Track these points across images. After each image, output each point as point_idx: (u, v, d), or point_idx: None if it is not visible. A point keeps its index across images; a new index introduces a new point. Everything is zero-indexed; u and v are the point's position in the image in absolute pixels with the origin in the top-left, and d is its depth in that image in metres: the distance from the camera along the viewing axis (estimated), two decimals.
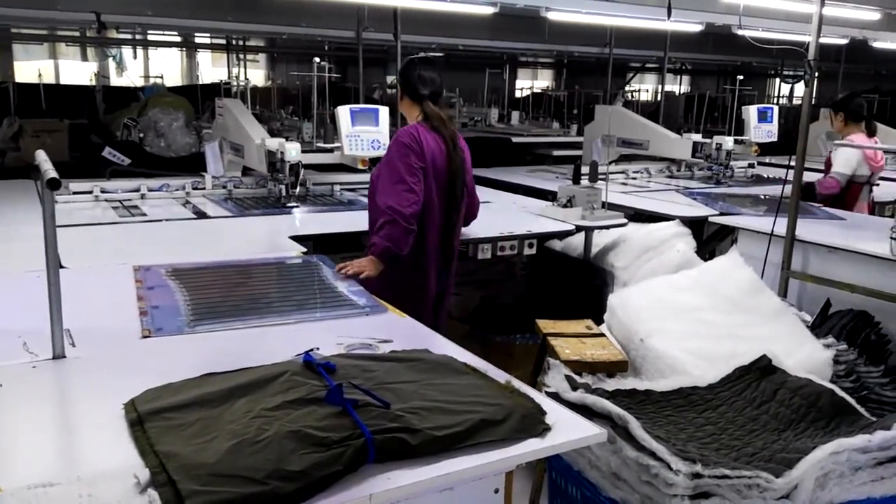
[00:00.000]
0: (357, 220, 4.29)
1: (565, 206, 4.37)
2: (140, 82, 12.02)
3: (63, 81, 12.65)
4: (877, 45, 7.68)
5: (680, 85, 18.02)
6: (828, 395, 2.46)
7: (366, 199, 4.73)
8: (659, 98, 11.58)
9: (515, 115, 11.01)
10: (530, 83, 15.74)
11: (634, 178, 6.21)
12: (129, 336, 2.28)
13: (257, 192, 4.82)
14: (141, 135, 6.31)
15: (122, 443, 1.60)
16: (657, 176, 6.36)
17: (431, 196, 3.19)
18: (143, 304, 2.54)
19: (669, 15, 4.81)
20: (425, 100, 3.26)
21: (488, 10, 5.50)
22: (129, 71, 12.31)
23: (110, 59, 12.46)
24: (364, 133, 4.56)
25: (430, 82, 3.29)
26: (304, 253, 3.36)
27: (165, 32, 11.27)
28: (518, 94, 14.94)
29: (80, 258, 3.09)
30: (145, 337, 2.27)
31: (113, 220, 4.05)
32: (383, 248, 3.06)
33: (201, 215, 4.24)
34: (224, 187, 4.81)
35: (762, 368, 2.61)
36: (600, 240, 4.47)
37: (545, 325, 3.15)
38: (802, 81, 3.75)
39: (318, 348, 2.06)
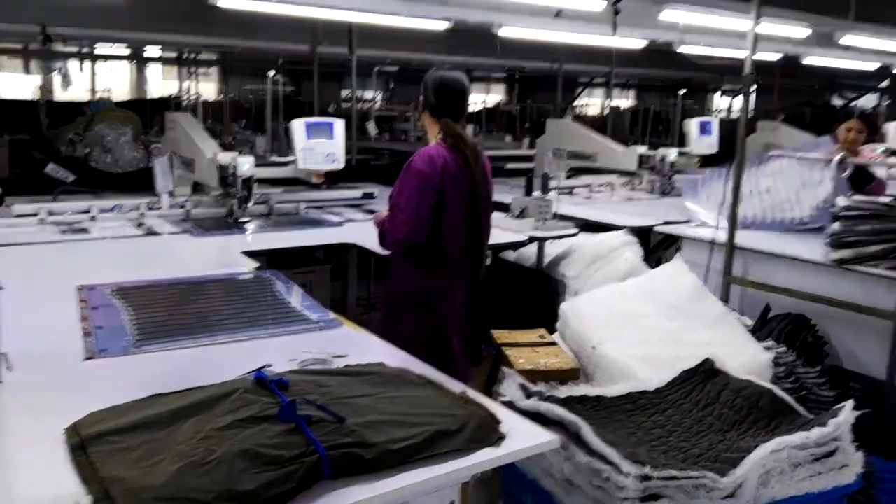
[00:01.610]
0: (314, 237, 4.28)
1: (518, 217, 4.45)
2: (86, 96, 11.81)
3: (3, 95, 12.35)
4: (808, 60, 7.99)
5: (626, 99, 18.42)
6: (768, 396, 2.55)
7: (332, 217, 4.73)
8: (606, 112, 11.81)
9: (469, 128, 11.06)
10: (483, 97, 15.92)
11: (600, 192, 6.29)
12: (72, 358, 2.21)
13: (217, 212, 4.58)
14: (87, 150, 6.17)
15: (63, 469, 1.55)
16: (620, 189, 6.46)
17: (455, 220, 3.08)
18: (86, 324, 2.47)
19: (614, 32, 4.95)
20: (444, 117, 3.14)
21: (442, 26, 5.56)
22: (75, 85, 12.08)
23: (55, 73, 12.21)
24: (319, 146, 4.55)
25: (451, 98, 3.14)
26: (257, 268, 3.34)
27: (114, 46, 11.10)
28: (471, 108, 15.08)
29: (19, 278, 2.96)
30: (89, 358, 2.20)
31: (55, 239, 3.90)
32: (378, 227, 3.20)
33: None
34: (182, 206, 4.57)
35: (706, 371, 2.69)
36: (552, 250, 4.55)
37: (500, 336, 3.19)
38: (740, 95, 3.89)
39: (270, 365, 2.04)
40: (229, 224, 4.36)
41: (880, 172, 4.62)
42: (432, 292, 3.11)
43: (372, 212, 4.81)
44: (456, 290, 3.16)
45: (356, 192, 5.35)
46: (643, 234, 4.74)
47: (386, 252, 3.33)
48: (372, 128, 9.94)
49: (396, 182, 3.10)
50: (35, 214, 4.22)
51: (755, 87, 4.32)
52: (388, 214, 3.11)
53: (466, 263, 3.16)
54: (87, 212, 4.36)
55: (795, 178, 4.38)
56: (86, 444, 1.62)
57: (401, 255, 3.15)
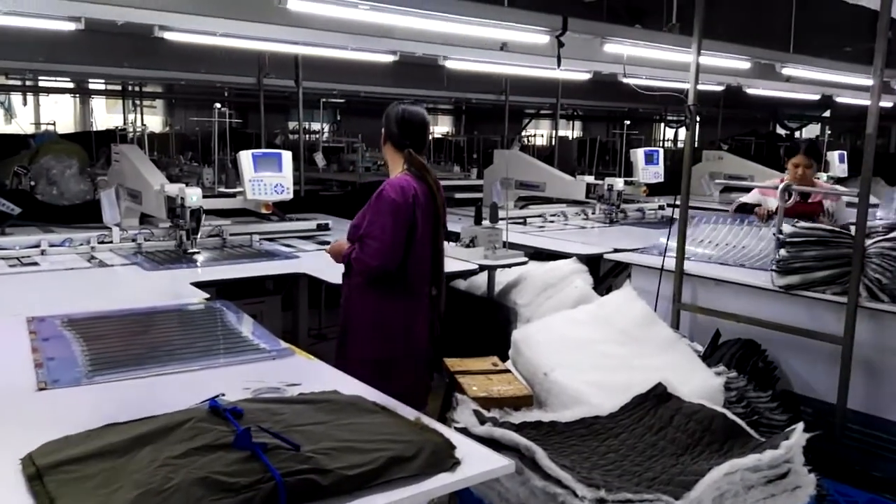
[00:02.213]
0: (267, 269, 4.23)
1: (468, 246, 4.48)
2: (30, 129, 11.57)
3: None
4: (750, 91, 8.25)
5: (573, 130, 18.80)
6: (720, 419, 2.59)
7: (286, 248, 4.70)
8: (553, 142, 12.01)
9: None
10: (431, 128, 16.05)
11: (553, 222, 6.38)
12: (24, 389, 2.19)
13: (169, 245, 4.51)
14: (32, 183, 6.03)
15: (19, 499, 1.54)
16: (574, 218, 6.58)
17: (421, 248, 3.15)
18: (37, 356, 2.46)
19: (559, 64, 5.05)
20: (407, 148, 3.20)
21: (388, 59, 5.61)
22: (19, 118, 11.83)
23: None
24: (267, 178, 4.55)
25: (413, 130, 3.23)
26: (207, 299, 3.30)
27: (58, 78, 10.91)
28: None
29: None
30: (41, 390, 2.19)
31: (4, 272, 3.84)
32: (341, 257, 3.20)
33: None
34: (133, 240, 4.49)
35: (658, 396, 2.72)
36: (503, 278, 4.59)
37: (452, 364, 3.18)
38: (684, 125, 3.99)
39: (223, 394, 2.03)
40: (181, 257, 4.26)
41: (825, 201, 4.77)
42: (397, 319, 3.16)
43: (325, 243, 4.79)
44: (420, 315, 3.22)
45: (310, 224, 5.31)
46: (593, 262, 4.81)
47: (338, 282, 3.36)
48: (320, 159, 9.94)
49: (366, 212, 3.13)
50: None
51: (699, 117, 4.44)
52: (357, 244, 3.12)
53: (429, 290, 3.23)
54: (36, 246, 4.26)
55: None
56: (42, 473, 1.60)
57: (363, 282, 3.15)
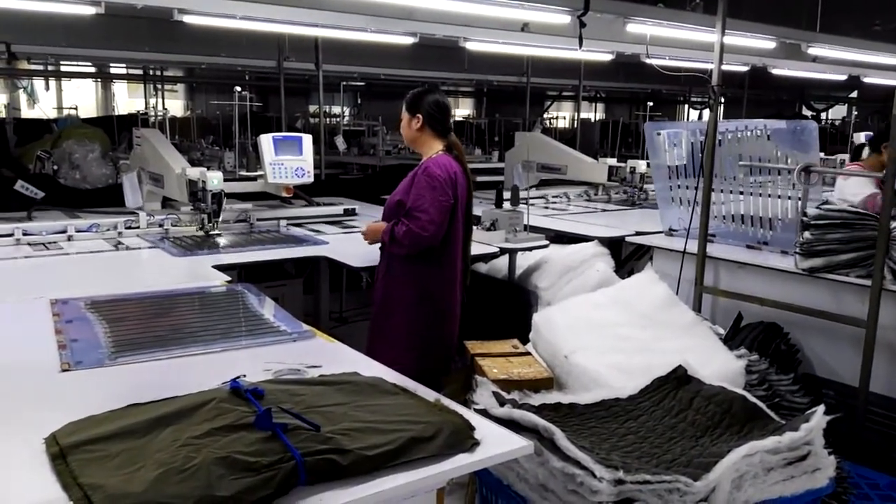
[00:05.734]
0: (291, 253, 4.22)
1: (489, 229, 4.47)
2: (53, 114, 11.70)
3: None
4: (776, 72, 8.11)
5: (595, 112, 18.63)
6: (740, 402, 2.58)
7: (315, 234, 4.72)
8: (575, 125, 11.92)
9: None
10: (452, 111, 16.01)
11: (554, 203, 6.38)
12: (48, 370, 2.22)
13: (196, 233, 4.44)
14: (55, 167, 6.10)
15: (44, 478, 1.56)
16: (576, 200, 6.56)
17: (458, 220, 3.37)
18: (61, 337, 2.49)
19: (581, 45, 4.99)
20: (450, 132, 3.41)
21: (408, 41, 5.59)
22: (42, 103, 11.96)
23: (21, 91, 12.09)
24: (288, 161, 4.56)
25: (449, 116, 3.44)
26: (228, 282, 3.33)
27: (79, 63, 11.02)
28: None
29: None
30: (65, 370, 2.22)
31: (27, 255, 3.88)
32: (390, 240, 3.28)
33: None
34: (160, 226, 4.47)
35: (678, 378, 2.71)
36: (524, 261, 4.58)
37: (473, 347, 3.20)
38: (708, 107, 3.93)
39: (244, 375, 2.04)
40: (206, 242, 4.23)
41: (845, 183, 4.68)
42: (438, 291, 3.35)
43: (352, 228, 4.81)
44: (456, 287, 3.44)
45: (337, 209, 5.30)
46: (615, 245, 4.78)
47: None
48: (340, 142, 9.94)
49: (410, 189, 3.27)
50: (11, 235, 4.09)
51: (723, 98, 4.36)
52: (404, 218, 3.23)
53: (463, 255, 3.47)
54: (63, 231, 4.24)
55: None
56: (65, 452, 1.63)
57: (405, 257, 3.29)
